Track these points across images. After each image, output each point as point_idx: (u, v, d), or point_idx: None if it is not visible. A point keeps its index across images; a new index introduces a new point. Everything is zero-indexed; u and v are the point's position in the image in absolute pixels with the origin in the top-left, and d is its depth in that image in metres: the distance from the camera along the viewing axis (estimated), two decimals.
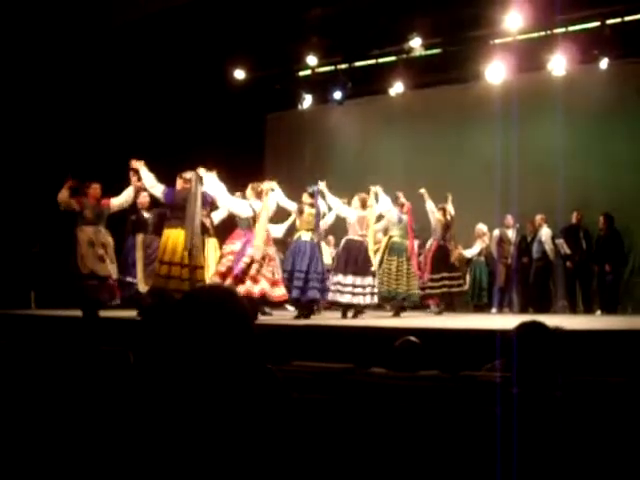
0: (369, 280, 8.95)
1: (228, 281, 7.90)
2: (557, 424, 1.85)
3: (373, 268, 9.10)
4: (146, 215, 9.38)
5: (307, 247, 8.85)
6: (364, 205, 9.16)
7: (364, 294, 8.91)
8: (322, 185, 9.07)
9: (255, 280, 7.98)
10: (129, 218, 9.41)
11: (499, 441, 1.57)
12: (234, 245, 8.23)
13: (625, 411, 2.30)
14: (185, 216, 7.98)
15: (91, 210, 8.63)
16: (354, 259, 8.96)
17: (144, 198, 9.23)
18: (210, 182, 8.16)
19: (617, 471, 1.91)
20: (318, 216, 8.96)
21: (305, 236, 8.95)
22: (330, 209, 9.38)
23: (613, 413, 2.16)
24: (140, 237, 9.30)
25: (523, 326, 2.85)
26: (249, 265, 8.02)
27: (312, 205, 8.96)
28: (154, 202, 9.08)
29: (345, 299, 8.84)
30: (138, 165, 8.28)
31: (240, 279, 7.96)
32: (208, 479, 1.68)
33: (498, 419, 1.59)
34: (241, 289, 7.79)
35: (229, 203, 8.45)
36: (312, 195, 8.98)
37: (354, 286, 8.85)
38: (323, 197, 9.15)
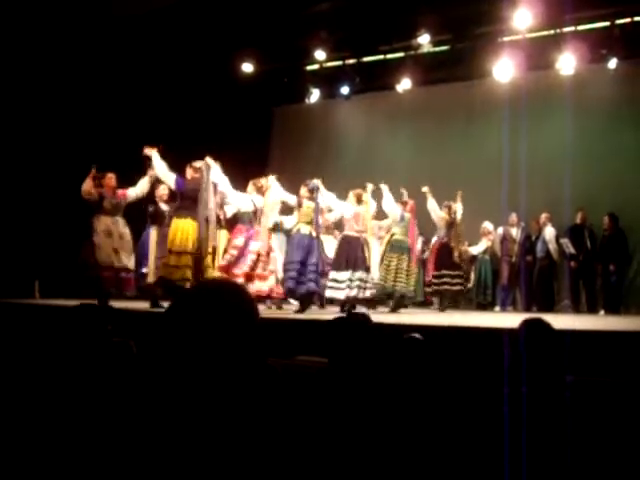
0: (361, 274, 8.92)
1: (233, 275, 7.98)
2: (566, 425, 1.85)
3: (369, 263, 9.10)
4: (164, 207, 9.17)
5: (305, 240, 8.83)
6: (359, 201, 9.16)
7: (355, 287, 8.88)
8: (318, 182, 9.07)
9: (263, 278, 8.18)
10: (147, 210, 9.20)
11: (507, 440, 1.57)
12: (237, 240, 8.33)
13: (629, 412, 2.30)
14: (194, 206, 7.97)
15: (109, 200, 8.59)
16: (349, 255, 8.96)
17: (163, 190, 9.04)
18: (215, 173, 8.19)
19: (622, 470, 1.91)
20: (317, 211, 8.93)
21: (304, 229, 8.90)
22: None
23: (618, 414, 2.17)
24: (154, 229, 9.14)
25: (526, 323, 2.80)
26: (256, 261, 8.17)
27: (310, 198, 8.94)
28: (172, 195, 8.97)
29: (342, 295, 8.84)
30: (151, 152, 8.17)
31: (249, 277, 8.12)
32: (205, 473, 1.69)
33: (506, 418, 1.59)
34: (252, 288, 7.91)
35: (231, 196, 8.50)
36: (312, 191, 8.97)
37: (350, 280, 8.86)
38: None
